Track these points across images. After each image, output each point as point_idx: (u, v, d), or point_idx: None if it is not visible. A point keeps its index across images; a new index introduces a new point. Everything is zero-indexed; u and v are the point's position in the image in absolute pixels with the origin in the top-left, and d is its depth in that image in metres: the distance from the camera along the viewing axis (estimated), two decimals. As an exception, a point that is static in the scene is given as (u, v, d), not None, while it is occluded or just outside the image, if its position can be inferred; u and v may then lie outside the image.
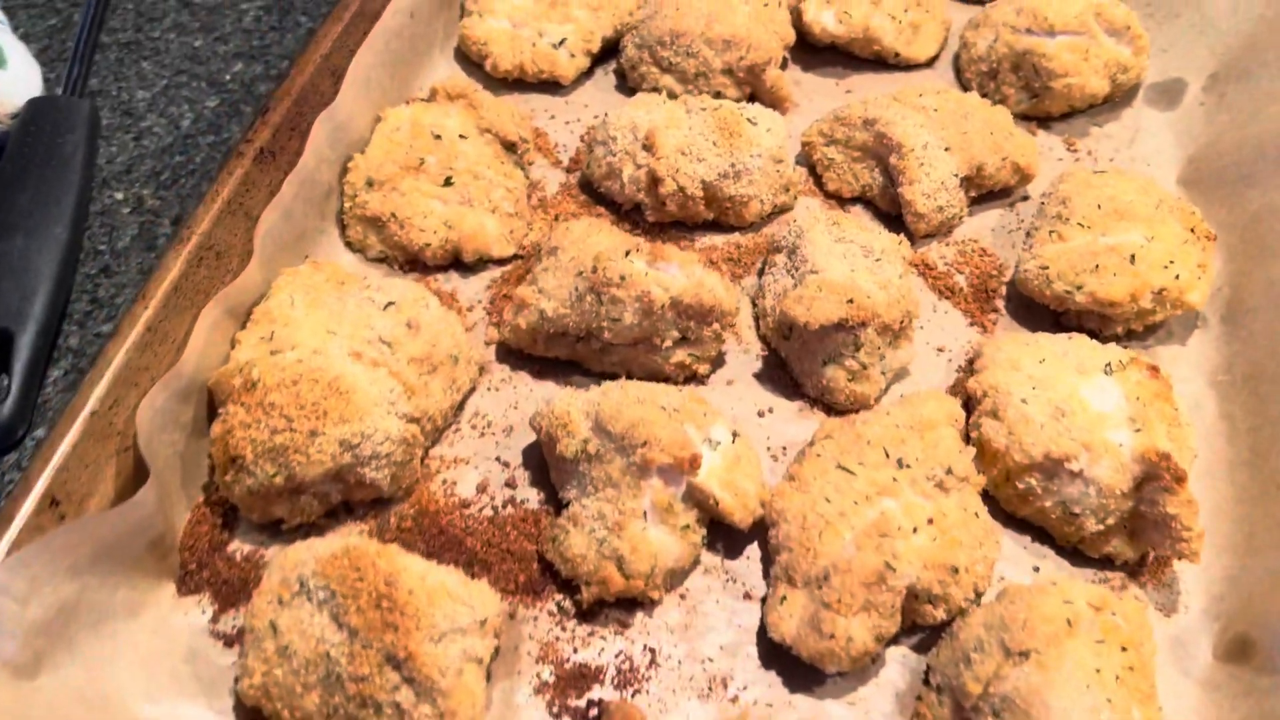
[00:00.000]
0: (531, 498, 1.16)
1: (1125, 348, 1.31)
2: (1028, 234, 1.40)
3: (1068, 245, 1.30)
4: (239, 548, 1.11)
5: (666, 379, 1.26)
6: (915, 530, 1.06)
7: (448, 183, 1.33)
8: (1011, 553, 1.16)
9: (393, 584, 0.96)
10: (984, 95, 1.58)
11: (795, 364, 1.26)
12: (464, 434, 1.21)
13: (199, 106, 1.61)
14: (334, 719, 0.95)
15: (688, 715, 1.03)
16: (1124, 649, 0.98)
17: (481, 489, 1.17)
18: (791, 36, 1.55)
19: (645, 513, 1.07)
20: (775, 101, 1.52)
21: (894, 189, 1.39)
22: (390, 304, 1.17)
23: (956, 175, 1.38)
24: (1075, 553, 1.16)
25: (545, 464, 1.17)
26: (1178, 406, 1.17)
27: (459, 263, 1.34)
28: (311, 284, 1.21)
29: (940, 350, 1.31)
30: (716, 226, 1.41)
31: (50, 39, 1.69)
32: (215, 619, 1.06)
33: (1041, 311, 1.33)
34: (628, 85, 1.55)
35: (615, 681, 1.05)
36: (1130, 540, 1.13)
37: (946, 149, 1.38)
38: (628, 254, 1.18)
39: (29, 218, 1.30)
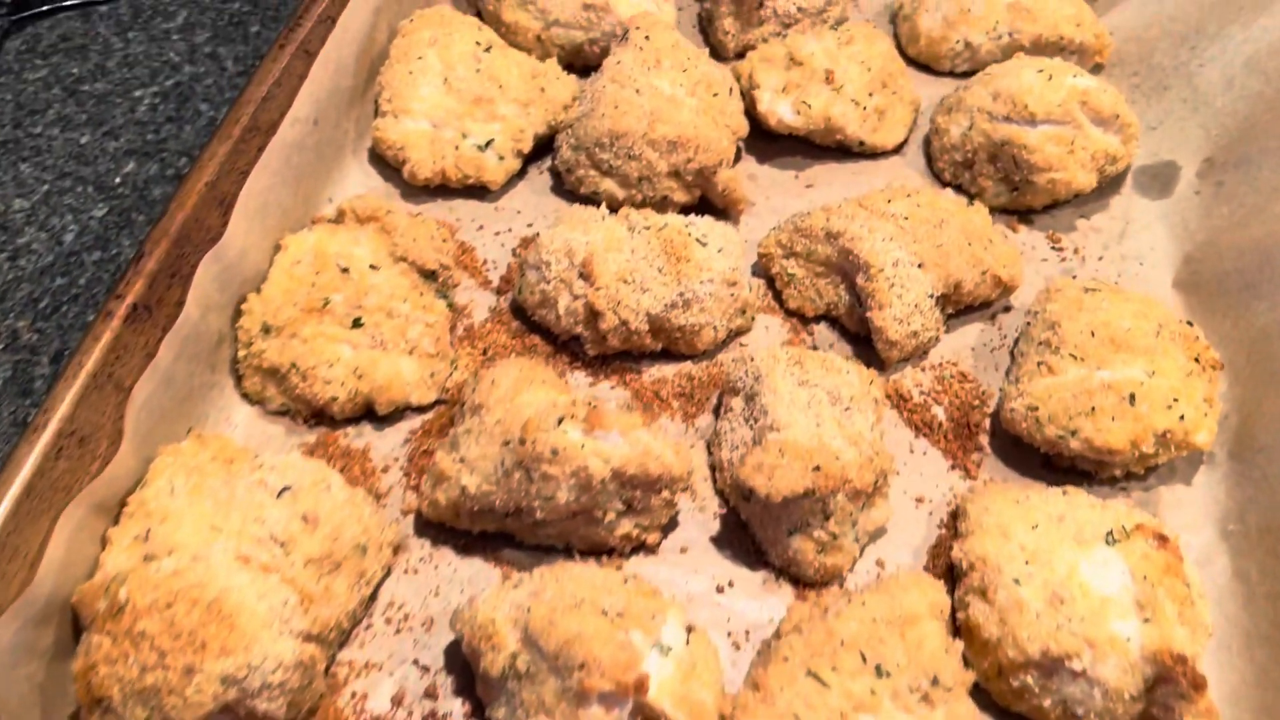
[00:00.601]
0: (455, 711, 1.01)
1: (1125, 493, 1.18)
2: (1012, 358, 1.26)
3: (1059, 380, 1.15)
4: (112, 792, 0.95)
5: (611, 551, 1.10)
6: (898, 757, 0.91)
7: (356, 324, 1.16)
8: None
9: None
10: (958, 186, 1.43)
11: (758, 529, 1.11)
12: (376, 631, 1.05)
13: (84, 217, 1.43)
14: None
15: None
16: None
17: (397, 701, 1.01)
18: (745, 127, 1.40)
19: (584, 744, 0.92)
20: (728, 204, 1.36)
21: (862, 309, 1.24)
22: (285, 489, 1.01)
23: (931, 295, 1.24)
24: (1078, 753, 1.01)
25: (470, 667, 1.01)
26: (1190, 581, 1.02)
27: (372, 413, 1.18)
28: (196, 464, 1.04)
29: (919, 501, 1.17)
30: (667, 354, 1.26)
31: (-84, 140, 1.51)
32: None
33: (1030, 450, 1.19)
34: (565, 187, 1.38)
35: None
36: (1144, 747, 0.99)
37: (919, 265, 1.23)
38: (560, 421, 1.02)
39: None
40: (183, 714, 0.90)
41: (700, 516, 1.15)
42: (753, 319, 1.29)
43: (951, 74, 1.57)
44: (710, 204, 1.38)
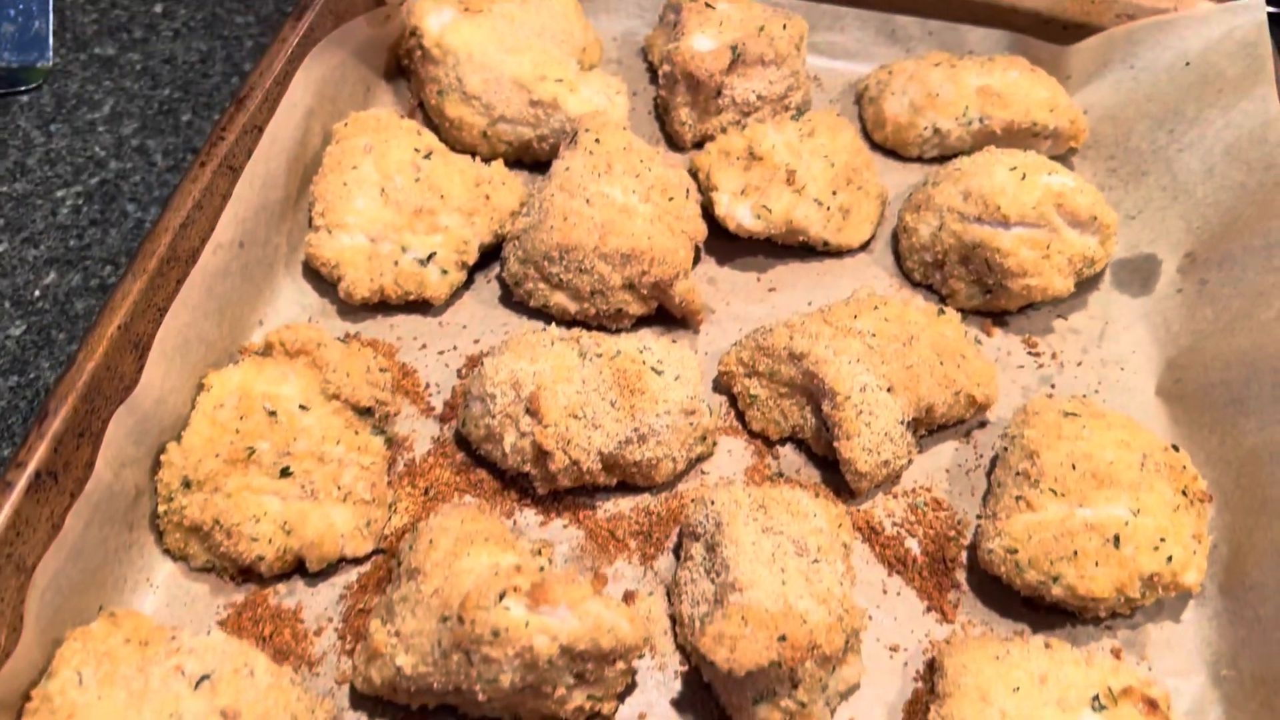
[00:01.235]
0: None
1: (1110, 631, 1.11)
2: (989, 484, 1.19)
3: (1038, 519, 1.08)
4: None
5: (564, 722, 1.02)
6: None
7: (284, 473, 1.08)
8: None
9: None
10: (929, 286, 1.36)
11: (722, 694, 1.04)
12: (310, 824, 0.96)
13: (0, 336, 1.34)
14: None
15: None
16: None
17: None
18: (703, 231, 1.32)
19: None
20: (687, 315, 1.29)
21: (829, 436, 1.16)
22: (204, 679, 0.93)
23: (902, 421, 1.16)
24: None
25: None
26: (1183, 750, 0.95)
27: (304, 568, 1.09)
28: (107, 649, 0.95)
29: (894, 650, 1.09)
30: (623, 486, 1.18)
31: None
32: None
33: (1009, 587, 1.11)
34: (514, 299, 1.30)
35: None
36: None
37: (889, 389, 1.16)
38: (503, 595, 0.94)
39: None
40: None
41: (660, 676, 1.07)
42: (714, 444, 1.21)
43: (920, 160, 1.50)
44: (667, 313, 1.30)
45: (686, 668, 1.07)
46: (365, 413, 1.15)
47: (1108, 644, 1.10)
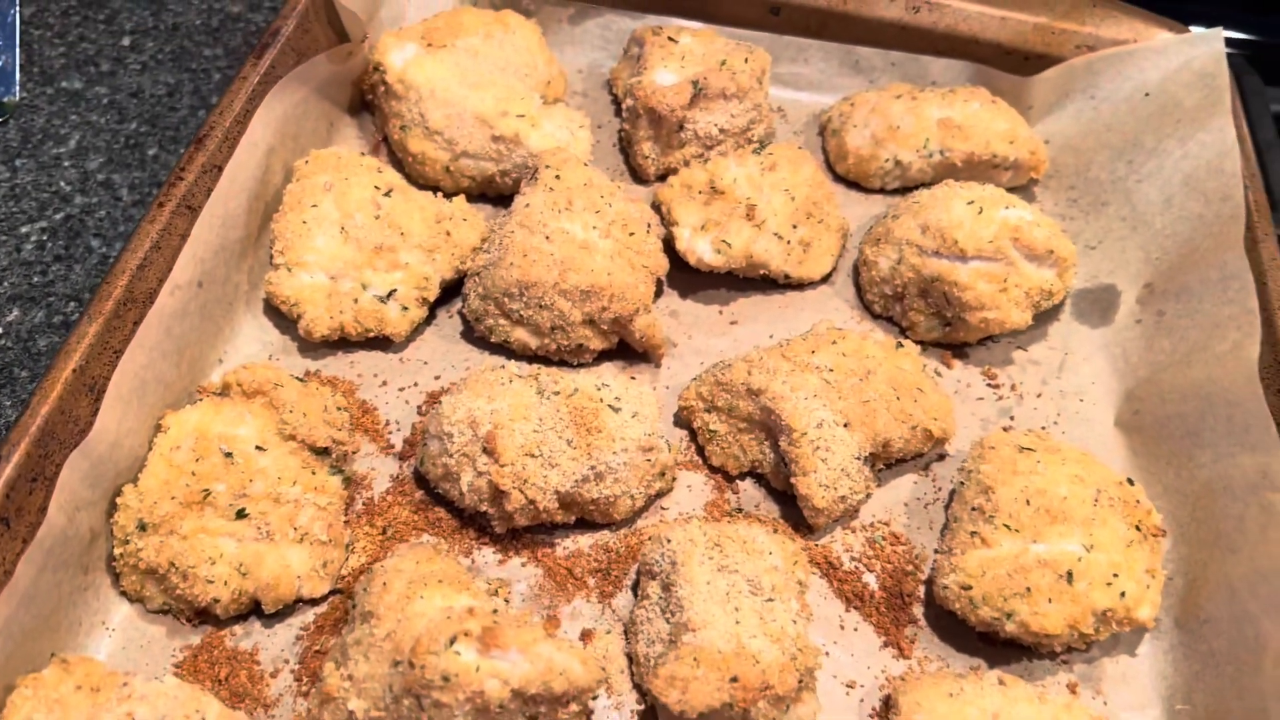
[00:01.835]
0: None
1: (1067, 665, 1.11)
2: (946, 518, 1.19)
3: (992, 555, 1.09)
4: None
5: (520, 763, 1.02)
6: None
7: (240, 515, 1.08)
8: None
9: None
10: (889, 318, 1.37)
11: (675, 732, 1.03)
12: None
13: (-45, 402, 1.34)
14: None
15: None
16: None
17: None
18: (664, 265, 1.32)
19: None
20: (648, 349, 1.29)
21: (787, 471, 1.17)
22: (157, 724, 0.92)
23: (859, 457, 1.17)
24: None
25: None
26: (1134, 789, 0.96)
27: (260, 609, 1.09)
28: (58, 697, 0.96)
29: (850, 687, 1.10)
30: (582, 523, 1.18)
31: None
32: None
33: (965, 623, 1.11)
34: (475, 334, 1.31)
35: None
36: None
37: (845, 425, 1.16)
38: (454, 640, 0.94)
39: None
40: None
41: (616, 715, 1.07)
42: (673, 480, 1.21)
43: (882, 191, 1.50)
44: (629, 347, 1.31)
45: (643, 707, 1.07)
46: (322, 452, 1.15)
47: (1064, 679, 1.11)
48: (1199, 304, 1.29)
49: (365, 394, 1.27)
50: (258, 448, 1.12)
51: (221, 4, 1.77)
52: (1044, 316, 1.38)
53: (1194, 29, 1.47)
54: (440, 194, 1.37)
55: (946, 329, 1.33)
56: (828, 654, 1.11)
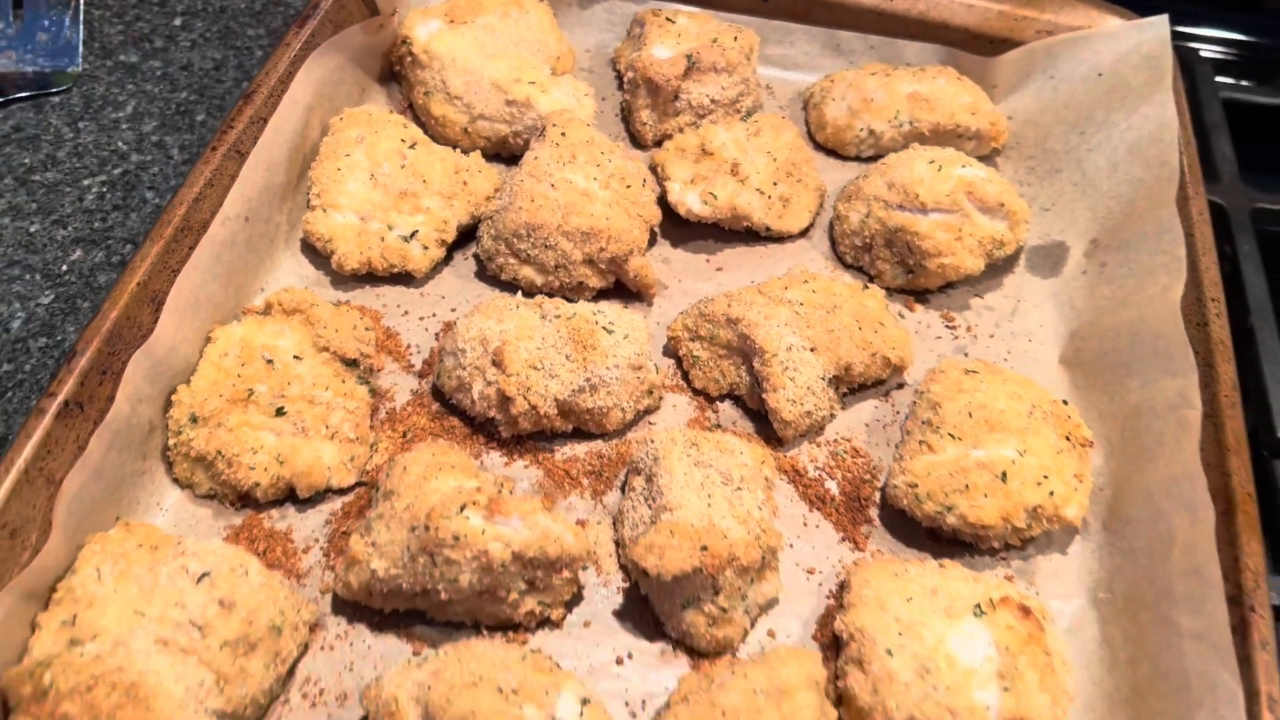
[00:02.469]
0: (367, 784, 1.07)
1: (1005, 561, 1.26)
2: (902, 435, 1.34)
3: (937, 459, 1.24)
4: None
5: (517, 627, 1.17)
6: (771, 821, 0.98)
7: (279, 413, 1.23)
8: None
9: None
10: (859, 268, 1.52)
11: (655, 603, 1.18)
12: (293, 706, 1.11)
13: (31, 304, 1.50)
14: None
15: None
16: None
17: (310, 773, 1.08)
18: (657, 216, 1.48)
19: (478, 815, 0.98)
20: (640, 288, 1.45)
21: (759, 390, 1.32)
22: (204, 575, 1.08)
23: (823, 377, 1.32)
24: (951, 814, 1.08)
25: (380, 742, 1.07)
26: (1051, 650, 1.10)
27: (295, 496, 1.25)
28: (122, 551, 1.11)
29: (810, 573, 1.24)
30: (578, 434, 1.33)
31: None
32: None
33: (915, 522, 1.26)
34: (487, 274, 1.47)
35: None
36: (1006, 804, 1.06)
37: (812, 349, 1.32)
38: (463, 508, 1.10)
39: None
40: (100, 793, 0.96)
41: (604, 591, 1.22)
42: (660, 399, 1.36)
43: (858, 159, 1.66)
44: (625, 288, 1.46)
45: (628, 584, 1.22)
46: (351, 364, 1.31)
47: (1001, 572, 1.25)
48: (1136, 255, 1.44)
49: (389, 321, 1.43)
50: (295, 357, 1.28)
51: (264, -11, 1.95)
52: (1000, 269, 1.53)
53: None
54: (458, 151, 1.53)
55: (910, 276, 1.48)
56: (791, 546, 1.26)
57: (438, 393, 1.36)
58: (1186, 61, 1.86)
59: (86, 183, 1.66)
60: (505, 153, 1.60)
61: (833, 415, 1.36)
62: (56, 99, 1.77)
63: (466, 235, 1.51)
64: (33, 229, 1.59)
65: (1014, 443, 1.23)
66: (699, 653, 1.17)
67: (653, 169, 1.55)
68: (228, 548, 1.12)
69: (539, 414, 1.27)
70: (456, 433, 1.33)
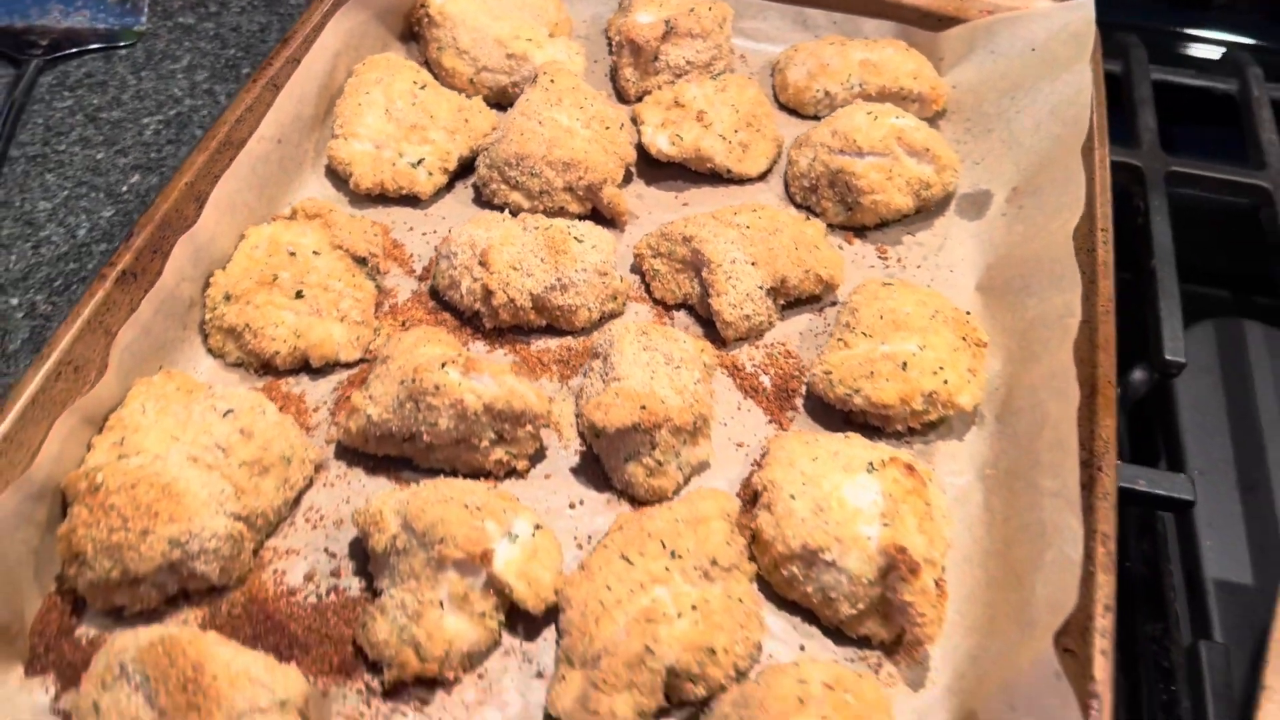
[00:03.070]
0: (354, 586, 1.30)
1: (909, 444, 1.46)
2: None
3: (851, 352, 1.45)
4: (85, 633, 1.24)
5: (488, 474, 1.40)
6: (680, 615, 1.19)
7: (299, 295, 1.47)
8: (782, 632, 1.29)
9: (199, 670, 1.09)
10: (807, 208, 1.74)
11: (604, 459, 1.40)
12: (298, 527, 1.35)
13: (95, 217, 1.76)
14: (144, 790, 1.08)
15: (470, 784, 1.16)
16: (850, 723, 1.11)
17: (309, 578, 1.30)
18: (632, 156, 1.71)
19: (442, 602, 1.21)
20: (613, 215, 1.67)
21: (707, 296, 1.54)
22: (229, 411, 1.31)
23: (762, 287, 1.54)
24: (838, 633, 1.29)
25: (368, 555, 1.30)
26: (930, 501, 1.30)
27: (309, 367, 1.48)
28: (163, 393, 1.35)
29: (739, 446, 1.46)
30: (551, 331, 1.56)
31: (-37, 153, 1.85)
32: (57, 698, 1.19)
33: (833, 411, 1.47)
34: (482, 199, 1.70)
35: (411, 753, 1.18)
36: (884, 622, 1.27)
37: (753, 263, 1.54)
38: (444, 365, 1.33)
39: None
40: (138, 565, 1.19)
41: (564, 453, 1.44)
42: (624, 304, 1.59)
43: (815, 118, 1.88)
44: (600, 215, 1.69)
45: (585, 448, 1.44)
46: (361, 261, 1.55)
47: (904, 453, 1.46)
48: (1046, 198, 1.65)
49: (396, 234, 1.66)
50: (314, 252, 1.52)
51: (306, -36, 2.21)
52: (932, 213, 1.74)
53: None
54: (463, 96, 1.77)
55: (849, 213, 1.70)
56: (725, 425, 1.47)
57: (434, 293, 1.59)
58: (1124, 46, 2.07)
59: (145, 121, 1.92)
60: (504, 101, 1.84)
61: (771, 323, 1.58)
62: (123, 52, 2.03)
63: (466, 168, 1.75)
64: (98, 156, 1.86)
65: (916, 339, 1.44)
66: (638, 501, 1.39)
67: (633, 120, 1.78)
68: (250, 393, 1.36)
69: (516, 307, 1.50)
70: (448, 324, 1.56)
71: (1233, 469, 1.54)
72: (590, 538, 1.36)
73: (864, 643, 1.28)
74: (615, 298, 1.57)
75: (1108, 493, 1.26)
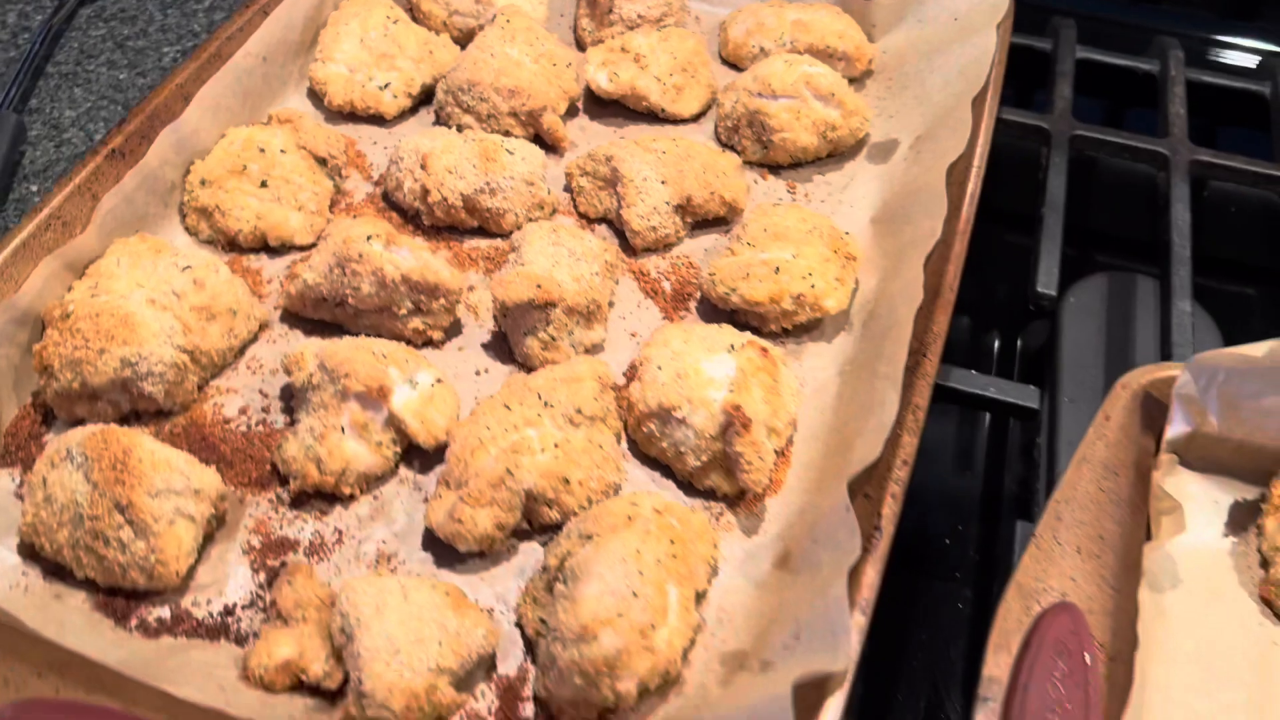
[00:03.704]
0: (280, 421, 1.52)
1: (783, 344, 1.65)
2: (725, 252, 1.75)
3: (734, 259, 1.64)
4: (50, 438, 1.48)
5: (408, 341, 1.61)
6: (543, 450, 1.40)
7: (263, 185, 1.71)
8: (643, 484, 1.48)
9: (128, 453, 1.32)
10: (730, 146, 1.93)
11: (509, 333, 1.61)
12: (239, 372, 1.57)
13: (111, 125, 2.02)
14: (77, 548, 1.31)
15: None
16: (672, 542, 1.30)
17: (242, 412, 1.53)
18: (576, 91, 1.92)
19: (344, 428, 1.42)
20: (553, 141, 1.89)
21: (620, 209, 1.75)
22: (188, 267, 1.55)
23: (669, 203, 1.74)
24: (690, 486, 1.48)
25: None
26: (779, 380, 1.49)
27: (268, 247, 1.72)
28: (137, 251, 1.59)
29: (633, 335, 1.65)
30: (482, 233, 1.78)
31: (5, 68, 2.13)
32: (20, 484, 1.43)
33: (720, 313, 1.66)
34: (439, 121, 1.93)
35: (306, 551, 1.39)
36: (726, 476, 1.45)
37: (663, 182, 1.74)
38: (369, 238, 1.55)
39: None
40: (94, 379, 1.43)
41: (479, 330, 1.65)
42: (552, 213, 1.80)
43: (752, 71, 2.08)
44: (544, 142, 1.91)
45: (497, 328, 1.65)
46: (321, 162, 1.78)
47: (766, 342, 1.63)
48: (938, 143, 1.82)
49: (362, 147, 1.90)
50: (281, 151, 1.75)
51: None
52: (844, 158, 1.93)
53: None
54: (432, 33, 2.01)
55: (765, 151, 1.89)
56: (623, 319, 1.67)
57: (386, 196, 1.82)
58: (1054, 26, 2.24)
59: (165, 50, 2.19)
60: (470, 41, 2.06)
61: (678, 238, 1.77)
62: (154, -8, 2.31)
63: (429, 98, 1.98)
64: (121, 76, 2.12)
65: (791, 249, 1.63)
66: (533, 371, 1.59)
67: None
68: (208, 255, 1.60)
69: (449, 205, 1.72)
70: (393, 221, 1.78)
71: (1100, 399, 1.69)
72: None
73: (710, 495, 1.47)
74: (542, 207, 1.78)
75: (927, 375, 1.44)
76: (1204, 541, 1.45)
